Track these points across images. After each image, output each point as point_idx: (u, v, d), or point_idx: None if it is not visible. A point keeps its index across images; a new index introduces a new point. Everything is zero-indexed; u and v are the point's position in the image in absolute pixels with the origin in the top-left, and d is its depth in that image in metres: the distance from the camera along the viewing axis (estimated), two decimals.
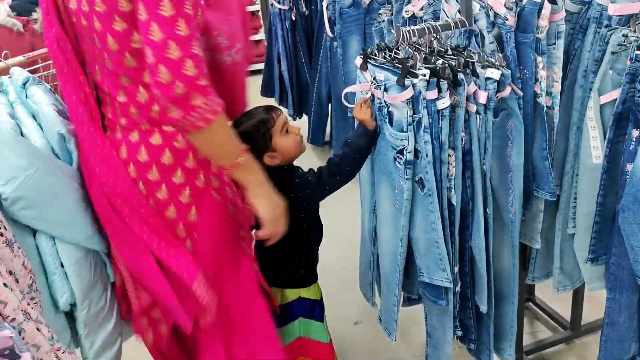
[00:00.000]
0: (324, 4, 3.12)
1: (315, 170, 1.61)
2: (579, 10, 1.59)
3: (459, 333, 1.69)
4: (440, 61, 1.46)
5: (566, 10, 1.58)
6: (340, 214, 2.51)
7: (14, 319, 1.13)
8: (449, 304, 1.57)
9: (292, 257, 1.68)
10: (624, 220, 1.44)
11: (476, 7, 1.56)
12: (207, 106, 1.14)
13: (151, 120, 1.31)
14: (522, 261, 1.94)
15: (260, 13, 5.39)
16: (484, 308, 1.62)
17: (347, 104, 1.76)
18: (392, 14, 2.11)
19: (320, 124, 3.69)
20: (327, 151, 3.88)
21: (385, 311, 1.72)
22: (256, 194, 1.33)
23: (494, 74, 1.41)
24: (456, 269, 1.59)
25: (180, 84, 1.10)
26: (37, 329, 1.17)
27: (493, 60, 1.45)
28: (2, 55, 2.11)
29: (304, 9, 3.64)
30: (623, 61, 1.49)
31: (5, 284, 1.12)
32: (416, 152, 1.45)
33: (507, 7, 1.46)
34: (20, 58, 2.09)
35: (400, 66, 1.45)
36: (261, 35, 5.44)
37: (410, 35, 1.50)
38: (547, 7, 1.46)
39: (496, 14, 1.51)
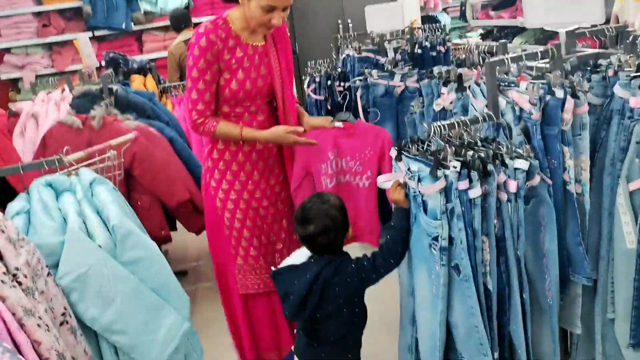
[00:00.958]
0: (358, 94, 3.30)
1: (369, 255, 1.70)
2: (602, 102, 1.68)
3: None
4: (471, 153, 1.55)
5: (589, 103, 1.68)
6: (378, 296, 2.54)
7: None
8: None
9: (341, 341, 1.73)
10: None
11: (502, 102, 1.67)
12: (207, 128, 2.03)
13: None
14: (563, 347, 1.93)
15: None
16: None
17: (381, 186, 1.84)
18: (424, 106, 2.24)
19: None
20: None
21: None
22: (264, 140, 2.07)
23: (522, 164, 1.49)
24: (496, 355, 1.61)
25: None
26: None
27: (521, 152, 1.54)
28: (64, 151, 2.31)
29: (339, 99, 3.83)
30: None
31: None
32: (450, 239, 1.52)
33: (531, 103, 1.56)
34: (80, 154, 2.27)
35: (433, 158, 1.55)
36: None
37: (441, 130, 1.62)
38: (570, 101, 1.56)
39: (521, 109, 1.61)
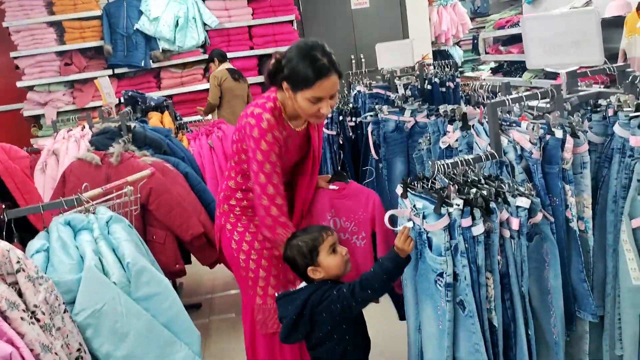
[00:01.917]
0: (369, 129, 3.36)
1: (351, 284, 1.75)
2: (603, 141, 1.72)
3: None
4: (474, 190, 1.60)
5: (590, 142, 1.73)
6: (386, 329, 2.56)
7: None
8: None
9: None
10: None
11: (504, 141, 1.72)
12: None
13: None
14: None
15: None
16: None
17: (389, 226, 1.87)
18: (431, 143, 2.29)
19: None
20: None
21: None
22: None
23: (524, 202, 1.53)
24: None
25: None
26: None
27: (523, 190, 1.58)
28: (83, 187, 2.39)
29: (351, 134, 3.90)
30: None
31: None
32: (455, 275, 1.55)
33: (532, 142, 1.61)
34: (98, 190, 2.34)
35: (437, 196, 1.60)
36: None
37: (445, 168, 1.66)
38: (570, 141, 1.60)
39: (523, 148, 1.66)
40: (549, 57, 1.86)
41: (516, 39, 6.02)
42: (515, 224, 1.55)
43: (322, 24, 7.01)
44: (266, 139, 1.96)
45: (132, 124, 3.47)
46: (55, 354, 1.23)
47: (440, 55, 7.51)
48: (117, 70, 6.02)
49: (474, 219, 1.53)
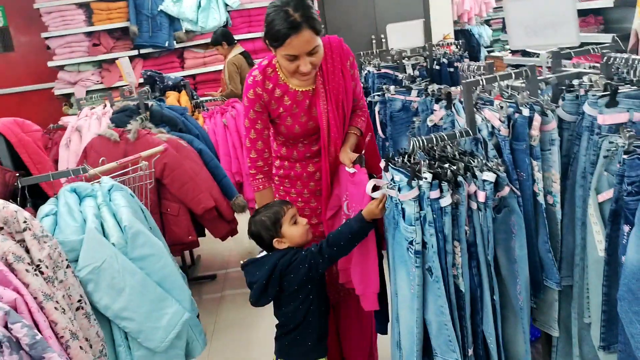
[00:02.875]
0: (376, 109, 3.45)
1: (317, 244, 1.91)
2: (575, 119, 1.80)
3: None
4: (447, 165, 1.70)
5: (564, 120, 1.81)
6: None
7: None
8: None
9: (300, 326, 1.94)
10: (621, 309, 1.55)
11: (479, 119, 1.81)
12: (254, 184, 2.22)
13: None
14: (547, 349, 2.04)
15: None
16: None
17: (370, 194, 1.93)
18: (421, 122, 2.39)
19: None
20: None
21: None
22: None
23: (490, 176, 1.63)
24: (470, 351, 1.74)
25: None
26: None
27: (491, 164, 1.68)
28: (100, 161, 2.57)
29: None
30: (616, 164, 1.66)
31: (81, 347, 1.43)
32: (424, 244, 1.67)
33: (500, 121, 1.70)
34: (113, 164, 2.52)
35: (410, 170, 1.71)
36: None
37: (421, 144, 1.77)
38: (537, 119, 1.69)
39: (493, 126, 1.75)
40: (529, 38, 1.94)
41: None
42: (481, 196, 1.65)
43: (342, 3, 7.05)
44: (247, 96, 2.08)
45: (150, 103, 3.65)
46: (57, 302, 1.41)
47: (462, 35, 7.47)
48: (143, 51, 6.23)
49: (441, 191, 1.64)
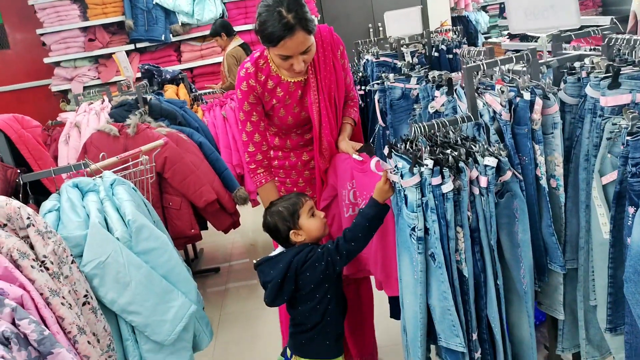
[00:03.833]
0: (376, 98, 3.44)
1: (333, 241, 1.86)
2: (577, 102, 1.79)
3: None
4: (449, 151, 1.70)
5: (566, 103, 1.80)
6: None
7: None
8: None
9: (318, 326, 1.89)
10: (627, 290, 1.56)
11: (480, 104, 1.80)
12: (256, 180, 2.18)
13: None
14: (554, 333, 2.04)
15: None
16: None
17: (374, 170, 1.94)
18: (422, 108, 2.38)
19: None
20: None
21: None
22: None
23: (491, 161, 1.63)
24: (474, 336, 1.74)
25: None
26: None
27: (492, 149, 1.67)
28: (100, 156, 2.56)
29: (360, 102, 3.99)
30: (619, 145, 1.66)
31: (89, 342, 1.43)
32: (426, 230, 1.67)
33: (502, 105, 1.70)
34: (113, 159, 2.51)
35: (411, 156, 1.70)
36: None
37: (422, 130, 1.76)
38: (539, 103, 1.68)
39: (495, 110, 1.74)
40: (529, 21, 1.92)
41: None
42: (483, 181, 1.64)
43: None
44: (241, 88, 2.07)
45: (149, 97, 3.64)
46: (63, 297, 1.41)
47: (460, 21, 7.44)
48: (139, 45, 6.19)
49: (443, 177, 1.63)
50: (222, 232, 3.58)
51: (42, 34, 6.12)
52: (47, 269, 1.43)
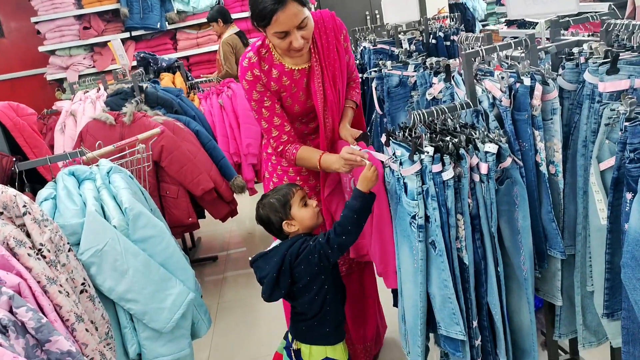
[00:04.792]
0: (373, 85, 3.43)
1: (325, 233, 1.85)
2: (576, 88, 1.78)
3: None
4: (448, 138, 1.69)
5: (564, 89, 1.79)
6: None
7: (92, 359, 1.43)
8: (465, 357, 1.71)
9: (318, 315, 1.89)
10: (625, 276, 1.56)
11: (479, 90, 1.79)
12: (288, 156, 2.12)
13: None
14: (551, 318, 2.05)
15: None
16: None
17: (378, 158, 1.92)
18: (420, 95, 2.37)
19: None
20: None
21: None
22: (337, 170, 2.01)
23: (492, 148, 1.62)
24: (475, 324, 1.74)
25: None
26: None
27: (492, 136, 1.66)
28: (97, 145, 2.54)
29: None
30: (617, 131, 1.65)
31: (87, 329, 1.43)
32: (427, 217, 1.66)
33: (502, 91, 1.69)
34: (110, 147, 2.50)
35: (411, 144, 1.69)
36: None
37: (421, 117, 1.75)
38: (539, 88, 1.67)
39: (494, 97, 1.73)
40: (528, 7, 1.91)
41: None
42: (484, 168, 1.64)
43: None
44: (246, 78, 2.04)
45: (145, 85, 3.61)
46: (60, 285, 1.40)
47: (457, 8, 7.40)
48: (134, 33, 6.15)
49: (443, 164, 1.63)
50: (220, 221, 3.58)
51: (36, 22, 6.07)
52: (44, 257, 1.42)
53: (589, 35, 2.12)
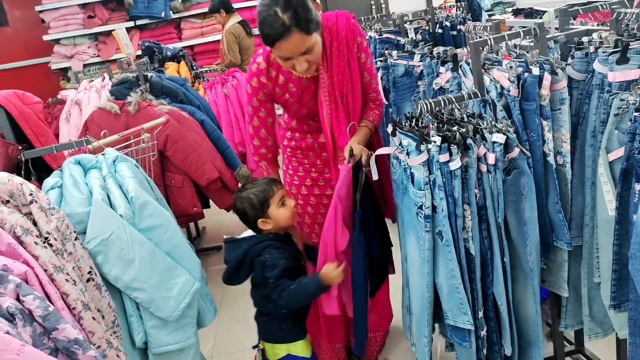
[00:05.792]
0: (379, 75, 3.40)
1: (283, 281, 1.80)
2: (585, 78, 1.77)
3: None
4: (456, 128, 1.68)
5: (573, 79, 1.77)
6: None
7: (99, 347, 1.43)
8: (471, 346, 1.71)
9: (274, 314, 1.90)
10: (632, 267, 1.55)
11: (487, 80, 1.78)
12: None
13: None
14: (557, 309, 2.05)
15: None
16: (508, 351, 1.74)
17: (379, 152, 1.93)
18: (427, 85, 2.35)
19: None
20: None
21: (419, 353, 1.88)
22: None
23: (499, 138, 1.61)
24: (480, 314, 1.74)
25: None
26: (117, 355, 1.46)
27: (500, 126, 1.65)
28: (102, 134, 2.54)
29: None
30: (626, 122, 1.64)
31: (93, 318, 1.43)
32: (434, 208, 1.66)
33: (510, 81, 1.67)
34: (115, 136, 2.49)
35: (418, 133, 1.68)
36: None
37: (428, 107, 1.74)
38: (547, 78, 1.65)
39: (502, 86, 1.72)
40: None
41: None
42: (491, 158, 1.63)
43: None
44: (251, 83, 2.03)
45: (149, 74, 3.60)
46: (67, 274, 1.40)
47: None
48: (139, 22, 6.13)
49: (451, 154, 1.62)
50: (225, 211, 3.57)
51: (41, 11, 6.05)
52: (51, 245, 1.42)
53: (597, 25, 2.10)
